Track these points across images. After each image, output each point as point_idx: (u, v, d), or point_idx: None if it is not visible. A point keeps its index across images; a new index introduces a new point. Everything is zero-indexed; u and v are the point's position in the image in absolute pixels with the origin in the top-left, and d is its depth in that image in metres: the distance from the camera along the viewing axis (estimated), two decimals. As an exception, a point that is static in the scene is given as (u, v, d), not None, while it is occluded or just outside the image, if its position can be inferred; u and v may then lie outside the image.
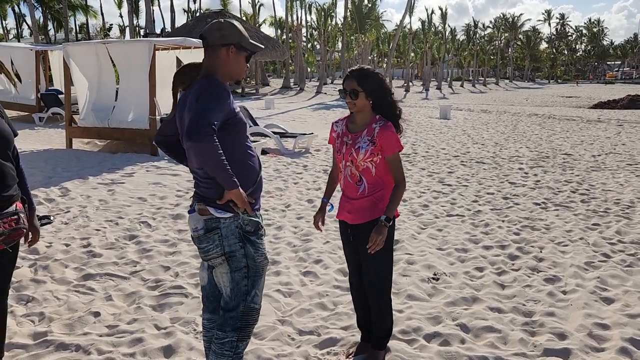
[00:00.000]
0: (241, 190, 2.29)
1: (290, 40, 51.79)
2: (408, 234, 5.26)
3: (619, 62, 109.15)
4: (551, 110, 24.25)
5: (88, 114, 10.81)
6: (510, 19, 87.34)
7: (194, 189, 2.49)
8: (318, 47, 75.80)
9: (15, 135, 2.61)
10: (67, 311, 3.55)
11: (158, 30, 43.95)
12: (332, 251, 4.80)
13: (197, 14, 58.86)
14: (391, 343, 3.12)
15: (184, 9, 70.04)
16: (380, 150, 2.77)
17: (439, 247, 4.92)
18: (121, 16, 63.64)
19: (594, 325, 3.37)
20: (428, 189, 7.34)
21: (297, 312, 3.61)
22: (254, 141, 10.32)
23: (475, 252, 4.80)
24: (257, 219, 2.42)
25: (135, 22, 46.13)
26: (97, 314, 3.48)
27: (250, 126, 11.66)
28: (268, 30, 73.66)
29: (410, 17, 54.69)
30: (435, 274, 4.26)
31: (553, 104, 30.21)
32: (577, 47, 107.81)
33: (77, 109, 11.71)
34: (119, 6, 61.30)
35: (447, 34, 72.42)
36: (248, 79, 47.23)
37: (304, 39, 56.62)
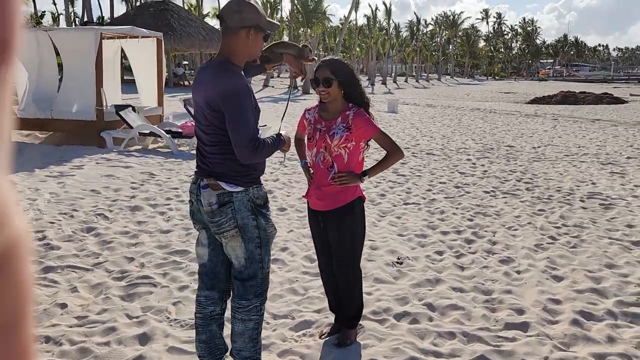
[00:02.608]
0: (286, 139, 2.52)
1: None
2: (369, 222, 5.37)
3: (551, 61, 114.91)
4: (492, 105, 25.28)
5: (28, 104, 10.30)
6: (451, 17, 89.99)
7: (198, 163, 2.52)
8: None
9: None
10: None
11: (96, 19, 42.24)
12: (297, 239, 4.88)
13: (138, 4, 57.10)
14: (363, 323, 3.24)
15: (122, -1, 67.71)
16: (357, 136, 2.87)
17: (400, 234, 5.09)
18: (54, 3, 60.71)
19: (547, 301, 3.62)
20: (384, 179, 7.53)
21: (270, 297, 3.61)
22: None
23: (434, 237, 5.01)
24: (264, 191, 2.55)
25: (70, 9, 44.09)
26: (63, 306, 3.39)
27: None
28: (212, 22, 72.32)
29: (356, 13, 55.29)
30: (398, 258, 4.42)
31: (493, 99, 31.48)
32: (513, 46, 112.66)
33: (16, 100, 11.16)
34: (53, -7, 58.46)
35: (391, 30, 73.71)
36: (192, 70, 46.30)
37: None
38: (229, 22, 2.37)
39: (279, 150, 2.56)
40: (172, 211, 5.74)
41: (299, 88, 31.71)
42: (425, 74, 76.33)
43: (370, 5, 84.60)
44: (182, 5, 50.04)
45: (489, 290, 3.83)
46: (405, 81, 65.03)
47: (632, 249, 4.72)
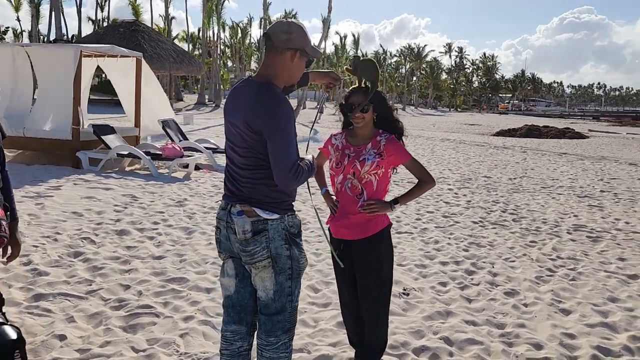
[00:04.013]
0: (312, 160, 2.42)
1: (201, 57, 50.89)
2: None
3: (510, 95, 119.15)
4: (460, 136, 25.84)
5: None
6: (416, 49, 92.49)
7: (229, 187, 2.38)
8: (230, 64, 75.37)
9: (4, 137, 2.34)
10: (25, 335, 3.17)
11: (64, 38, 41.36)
12: (297, 268, 4.74)
13: (105, 24, 56.32)
14: (383, 358, 3.12)
15: (89, 17, 66.77)
16: (388, 163, 2.81)
17: (399, 263, 5.02)
18: (18, 20, 59.38)
19: (562, 335, 3.59)
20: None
21: (280, 330, 3.50)
22: (187, 156, 10.00)
23: (434, 267, 4.96)
24: (298, 219, 2.45)
25: (35, 27, 43.17)
26: (62, 337, 3.15)
27: (180, 140, 11.29)
28: (180, 45, 72.04)
29: (325, 42, 56.12)
30: (405, 289, 4.33)
31: (459, 131, 32.21)
32: (474, 79, 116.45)
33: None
34: (17, 9, 57.18)
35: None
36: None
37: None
38: (276, 42, 2.28)
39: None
40: (161, 236, 5.51)
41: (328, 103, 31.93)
42: (390, 104, 77.62)
43: (338, 33, 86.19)
44: (151, 27, 49.76)
45: (502, 324, 3.78)
46: (372, 110, 65.90)
47: (629, 282, 4.78)
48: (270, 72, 2.31)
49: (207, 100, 44.75)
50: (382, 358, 3.10)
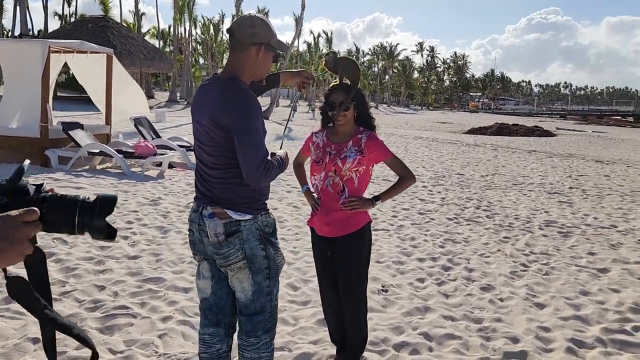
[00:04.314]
0: (283, 156, 2.36)
1: (172, 54, 50.20)
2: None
3: (480, 94, 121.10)
4: (432, 134, 26.15)
5: (-37, 118, 9.54)
6: (388, 48, 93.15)
7: (199, 188, 2.33)
8: (202, 61, 74.54)
9: None
10: (-3, 339, 3.08)
11: (29, 33, 40.24)
12: (275, 266, 4.72)
13: (72, 19, 54.96)
14: (365, 354, 3.14)
15: (55, 12, 65.11)
16: (369, 160, 2.82)
17: (377, 260, 5.04)
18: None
19: (537, 329, 3.67)
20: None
21: (260, 328, 3.48)
22: (160, 154, 9.85)
23: (411, 264, 5.00)
24: (272, 218, 2.41)
25: None
26: (35, 340, 3.06)
27: (153, 138, 11.12)
28: (152, 41, 70.97)
29: (298, 40, 56.01)
30: (383, 286, 4.36)
31: (431, 129, 32.60)
32: (445, 78, 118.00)
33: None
34: (-24, 3, 55.43)
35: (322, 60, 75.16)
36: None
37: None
38: (239, 38, 2.24)
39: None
40: (136, 235, 5.42)
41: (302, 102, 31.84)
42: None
43: (312, 32, 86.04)
44: (120, 23, 48.82)
45: (479, 318, 3.84)
46: (345, 108, 66.04)
47: (600, 276, 4.91)
48: (235, 68, 2.27)
49: (178, 98, 44.23)
50: (363, 354, 3.12)
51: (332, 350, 3.16)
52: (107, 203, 1.01)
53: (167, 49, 64.78)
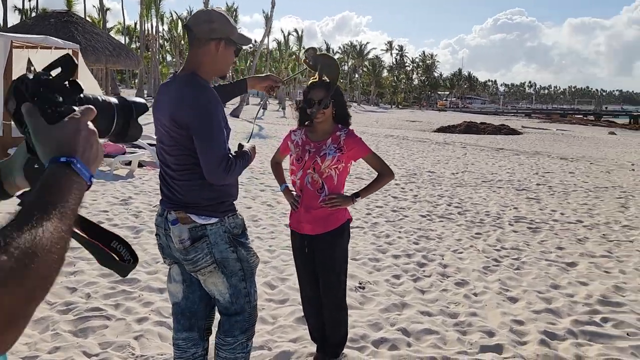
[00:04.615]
0: (250, 149, 2.29)
1: (139, 50, 49.33)
2: (320, 246, 5.34)
3: (447, 93, 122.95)
4: (403, 132, 26.41)
5: None
6: (358, 47, 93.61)
7: (163, 191, 2.27)
8: (169, 58, 73.48)
9: None
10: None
11: (-12, 27, 38.95)
12: (251, 265, 4.69)
13: (34, 13, 53.35)
14: (344, 351, 3.14)
15: (15, 6, 63.14)
16: (348, 157, 2.83)
17: (353, 258, 5.06)
18: (-64, 7, 55.18)
19: (511, 322, 3.74)
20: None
21: (239, 327, 3.45)
22: (130, 153, 9.65)
23: (387, 261, 5.04)
24: (240, 218, 2.35)
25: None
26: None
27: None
28: (117, 37, 69.63)
29: (268, 38, 55.73)
30: (360, 283, 4.38)
31: (401, 127, 32.90)
32: (414, 77, 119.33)
33: None
34: None
35: (301, 55, 75.13)
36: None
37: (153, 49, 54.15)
38: (197, 33, 2.17)
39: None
40: (106, 236, 5.29)
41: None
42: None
43: (282, 31, 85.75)
44: (84, 18, 47.62)
45: (455, 313, 3.89)
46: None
47: (569, 270, 5.04)
48: (195, 65, 2.20)
49: (146, 96, 43.49)
50: (342, 351, 3.12)
51: (312, 348, 3.16)
52: (141, 106, 0.93)
53: (133, 46, 63.55)
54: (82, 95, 0.84)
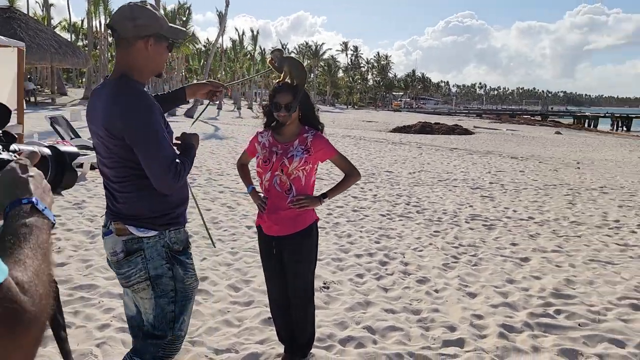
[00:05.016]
0: (193, 142, 2.20)
1: (86, 48, 47.82)
2: (283, 247, 5.34)
3: (402, 93, 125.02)
4: (360, 132, 26.69)
5: None
6: (314, 47, 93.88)
7: (107, 202, 2.14)
8: (119, 57, 71.27)
9: None
10: None
11: None
12: (214, 267, 4.65)
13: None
14: (312, 351, 3.17)
15: (-46, 1, 59.88)
16: (316, 158, 2.85)
17: (317, 258, 5.08)
18: None
19: (471, 317, 3.86)
20: (282, 204, 7.52)
21: (205, 331, 3.42)
22: (82, 155, 9.35)
23: (349, 260, 5.10)
24: (184, 234, 2.20)
25: None
26: None
27: (72, 138, 10.56)
28: (62, 34, 67.15)
29: (222, 37, 55.09)
30: (324, 283, 4.41)
31: (358, 127, 33.23)
32: (369, 78, 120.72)
33: None
34: None
35: (256, 55, 74.71)
36: (39, 86, 42.22)
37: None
38: (122, 33, 2.00)
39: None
40: (60, 241, 5.13)
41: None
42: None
43: (237, 29, 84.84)
44: (28, 14, 45.74)
45: (418, 310, 3.98)
46: (271, 107, 65.64)
47: (522, 265, 5.24)
48: (124, 67, 2.03)
49: (96, 95, 42.13)
50: (310, 351, 3.14)
51: (280, 349, 3.17)
52: (73, 155, 0.95)
53: (80, 43, 61.47)
54: (17, 148, 0.87)
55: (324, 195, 2.87)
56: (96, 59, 47.75)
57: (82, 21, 64.69)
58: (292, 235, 2.83)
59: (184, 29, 2.22)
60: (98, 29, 48.64)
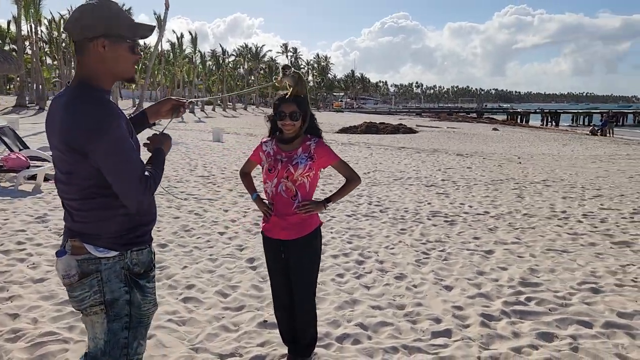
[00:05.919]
0: (163, 146, 2.09)
1: (14, 53, 45.46)
2: (259, 252, 5.42)
3: (342, 94, 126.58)
4: (307, 134, 26.88)
5: None
6: (254, 49, 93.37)
7: (65, 220, 1.97)
8: (49, 61, 68.37)
9: None
10: None
11: None
12: (197, 275, 4.68)
13: None
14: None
15: None
16: (319, 165, 3.00)
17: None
18: None
19: (453, 308, 4.12)
20: (249, 209, 7.58)
21: (205, 337, 3.48)
22: (34, 166, 9.01)
23: (327, 261, 5.26)
24: (148, 255, 2.03)
25: None
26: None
27: (20, 149, 10.15)
28: (-12, 38, 63.39)
29: (161, 43, 53.79)
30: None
31: (304, 129, 33.43)
32: (310, 79, 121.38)
33: None
34: None
35: (196, 59, 73.41)
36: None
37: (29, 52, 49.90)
38: (75, 36, 1.85)
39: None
40: (33, 257, 5.00)
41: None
42: (232, 103, 77.34)
43: (175, 32, 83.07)
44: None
45: (402, 305, 4.20)
46: (213, 110, 64.98)
47: (488, 257, 5.59)
48: (83, 73, 1.87)
49: (28, 103, 40.16)
50: (314, 350, 3.28)
51: (283, 350, 3.28)
52: None
53: (7, 48, 58.30)
54: None
55: (328, 200, 3.02)
56: (27, 64, 45.48)
57: (8, 24, 61.36)
58: (299, 239, 2.96)
59: (146, 24, 1.99)
60: (30, 33, 46.30)
